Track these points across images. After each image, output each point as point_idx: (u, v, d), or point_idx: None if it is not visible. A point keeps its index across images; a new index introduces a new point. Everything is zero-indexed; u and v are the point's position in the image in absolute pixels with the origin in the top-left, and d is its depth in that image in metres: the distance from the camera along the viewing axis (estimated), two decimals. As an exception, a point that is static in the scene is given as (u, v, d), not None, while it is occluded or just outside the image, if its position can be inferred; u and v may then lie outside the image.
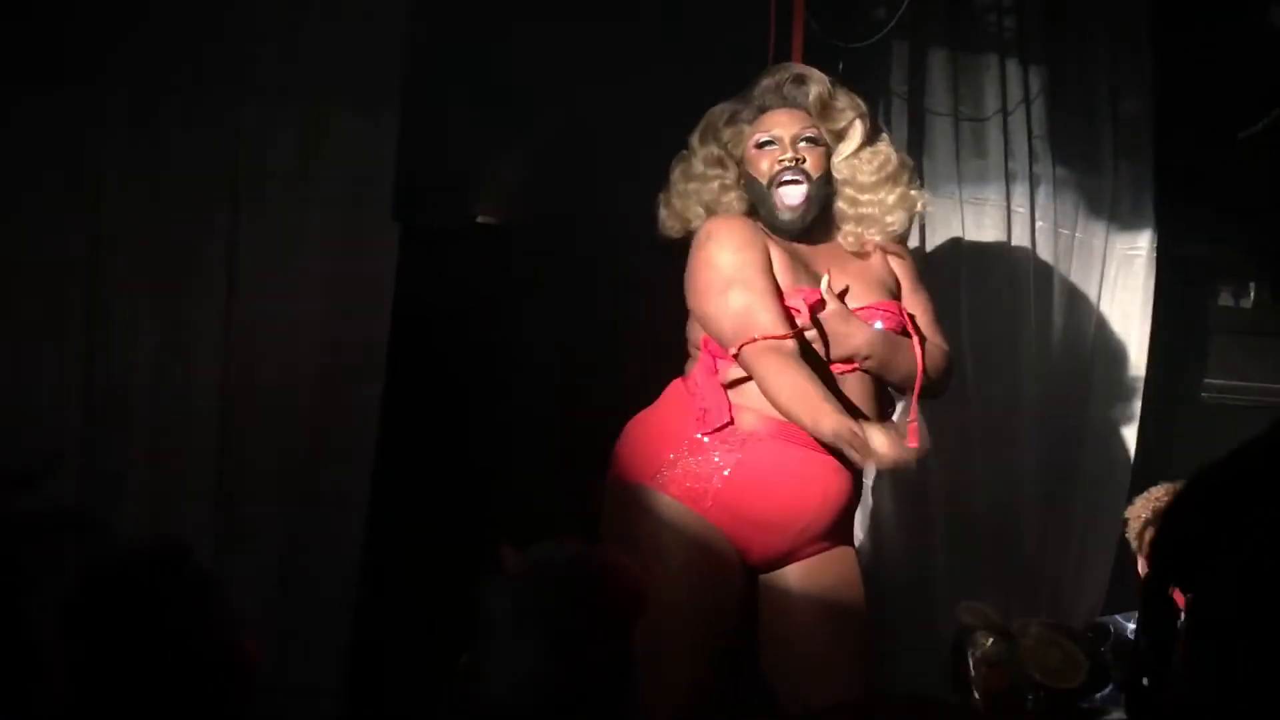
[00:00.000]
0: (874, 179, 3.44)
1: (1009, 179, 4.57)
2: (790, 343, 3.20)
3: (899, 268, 3.52)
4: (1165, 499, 3.67)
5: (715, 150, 3.45)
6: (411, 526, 4.03)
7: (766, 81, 3.47)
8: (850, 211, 3.45)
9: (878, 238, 3.47)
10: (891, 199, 3.45)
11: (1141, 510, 3.83)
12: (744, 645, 3.39)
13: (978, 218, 4.56)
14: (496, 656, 2.15)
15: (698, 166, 3.47)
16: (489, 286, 4.11)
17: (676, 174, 3.51)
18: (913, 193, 3.50)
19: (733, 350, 3.23)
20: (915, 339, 3.36)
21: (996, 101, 4.55)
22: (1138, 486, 4.60)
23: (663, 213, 3.51)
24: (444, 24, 3.88)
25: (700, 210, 3.45)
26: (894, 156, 3.50)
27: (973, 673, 3.30)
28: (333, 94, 3.80)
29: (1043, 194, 4.60)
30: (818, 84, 3.43)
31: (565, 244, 4.11)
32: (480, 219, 4.13)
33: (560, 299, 4.13)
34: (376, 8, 3.82)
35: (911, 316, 3.42)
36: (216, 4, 3.69)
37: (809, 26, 4.04)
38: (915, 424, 3.33)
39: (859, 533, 4.03)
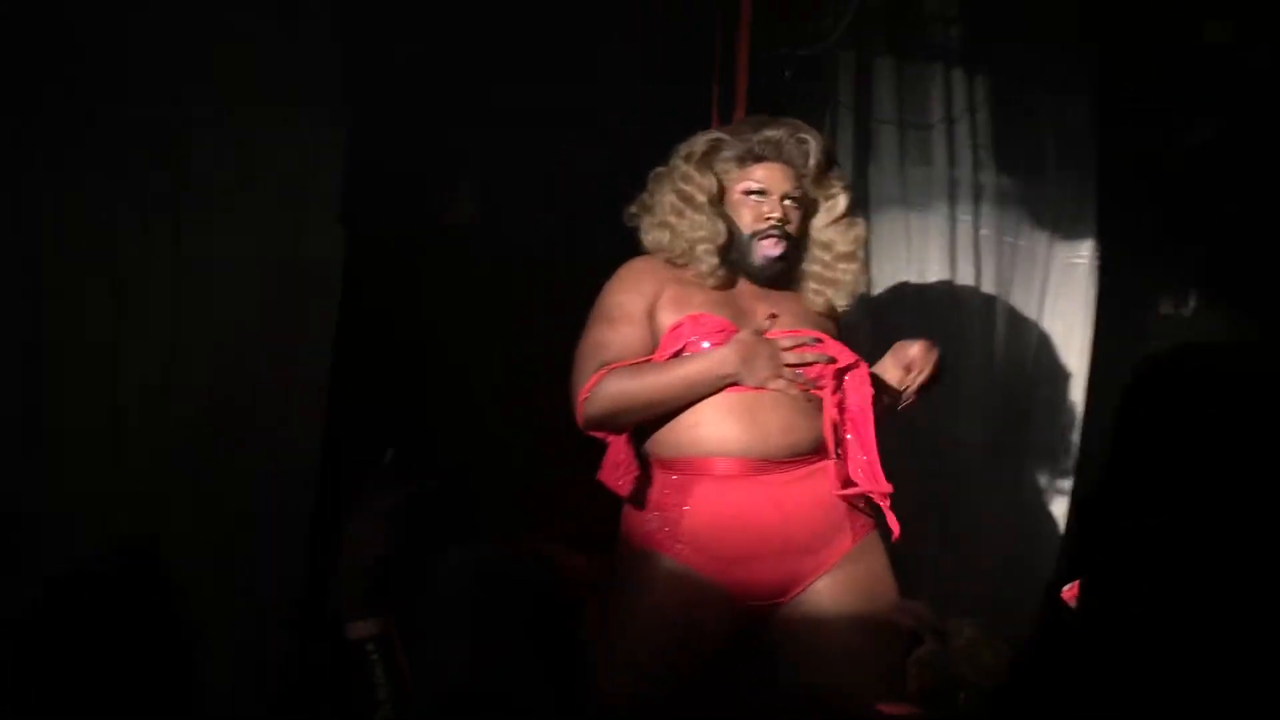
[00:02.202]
0: (851, 249, 3.53)
1: (953, 187, 4.61)
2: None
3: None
4: None
5: (714, 185, 3.47)
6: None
7: (769, 133, 3.48)
8: (823, 274, 3.52)
9: (843, 303, 3.54)
10: (859, 268, 3.54)
11: None
12: (729, 683, 3.40)
13: (922, 227, 4.60)
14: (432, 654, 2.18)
15: (699, 197, 3.46)
16: (437, 290, 4.11)
17: (672, 197, 3.48)
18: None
19: (581, 395, 3.28)
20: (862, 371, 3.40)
21: (941, 110, 4.60)
22: (1082, 492, 4.66)
23: (661, 234, 3.47)
24: (391, 26, 3.89)
25: (695, 240, 3.43)
26: (867, 231, 3.60)
27: (908, 672, 3.33)
28: (278, 97, 3.79)
29: (986, 202, 4.65)
30: (817, 149, 3.48)
31: (516, 246, 4.13)
32: (428, 222, 4.13)
33: (511, 303, 4.14)
34: (322, 10, 3.82)
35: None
36: (161, 8, 3.68)
37: (755, 35, 4.07)
38: (872, 461, 3.37)
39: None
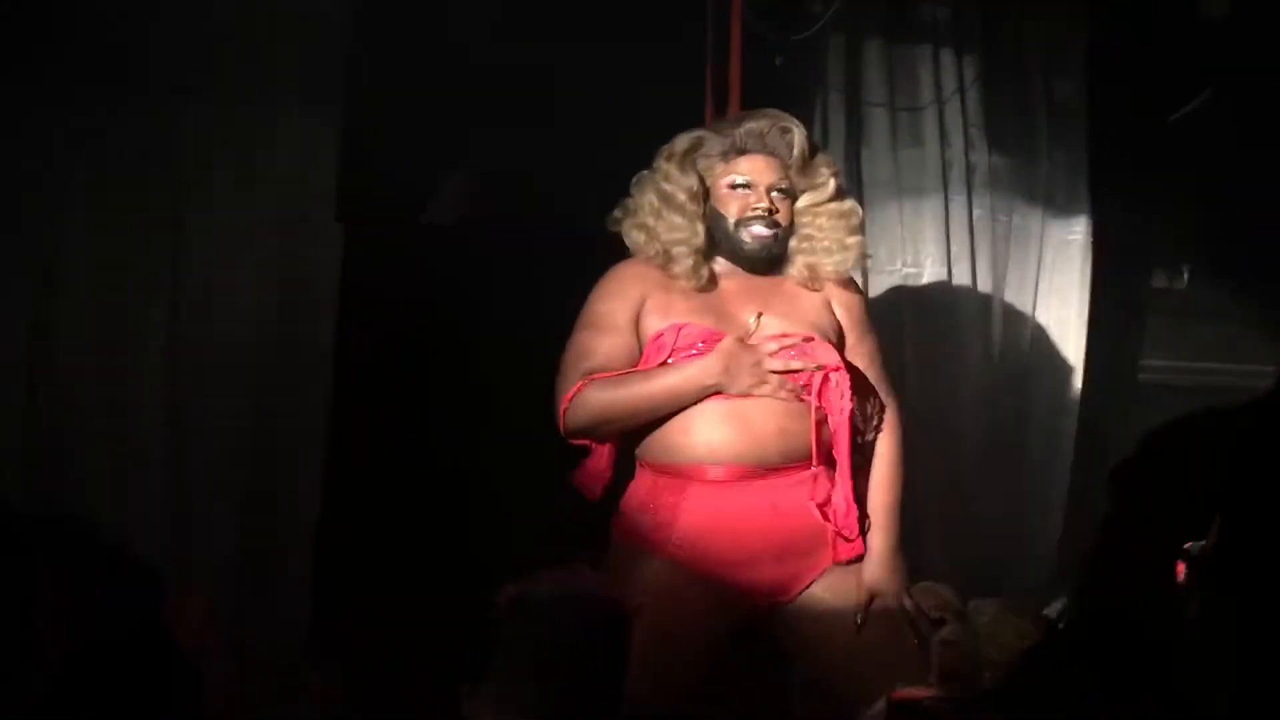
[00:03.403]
0: (837, 224, 3.49)
1: (946, 168, 4.62)
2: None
3: (846, 310, 3.53)
4: None
5: (695, 183, 3.44)
6: (362, 530, 4.04)
7: (750, 125, 3.46)
8: (805, 245, 3.48)
9: (830, 271, 3.50)
10: (851, 241, 3.50)
11: None
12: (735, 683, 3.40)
13: (916, 207, 4.61)
14: (497, 687, 2.21)
15: (679, 196, 3.43)
16: (432, 287, 4.12)
17: (651, 197, 3.46)
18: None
19: (563, 404, 3.29)
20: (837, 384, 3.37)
21: (932, 91, 4.61)
22: (1080, 466, 4.69)
23: (638, 236, 3.48)
24: (387, 26, 3.89)
25: (669, 242, 3.43)
26: (859, 212, 3.56)
27: (931, 654, 3.35)
28: (276, 96, 3.80)
29: (979, 182, 4.66)
30: (800, 139, 3.45)
31: (509, 245, 4.14)
32: (423, 220, 4.14)
33: (505, 300, 4.15)
34: (320, 10, 3.82)
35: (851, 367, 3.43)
36: (163, 8, 3.68)
37: (746, 21, 4.07)
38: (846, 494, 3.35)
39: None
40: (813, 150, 3.51)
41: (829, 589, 3.34)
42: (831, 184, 3.51)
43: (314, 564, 3.93)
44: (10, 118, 3.59)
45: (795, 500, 3.32)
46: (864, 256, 3.65)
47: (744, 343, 3.29)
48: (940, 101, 4.61)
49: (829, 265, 3.48)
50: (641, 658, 3.14)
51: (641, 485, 3.37)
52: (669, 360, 3.32)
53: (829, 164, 3.56)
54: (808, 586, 3.35)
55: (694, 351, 3.31)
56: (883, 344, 3.63)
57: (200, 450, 3.82)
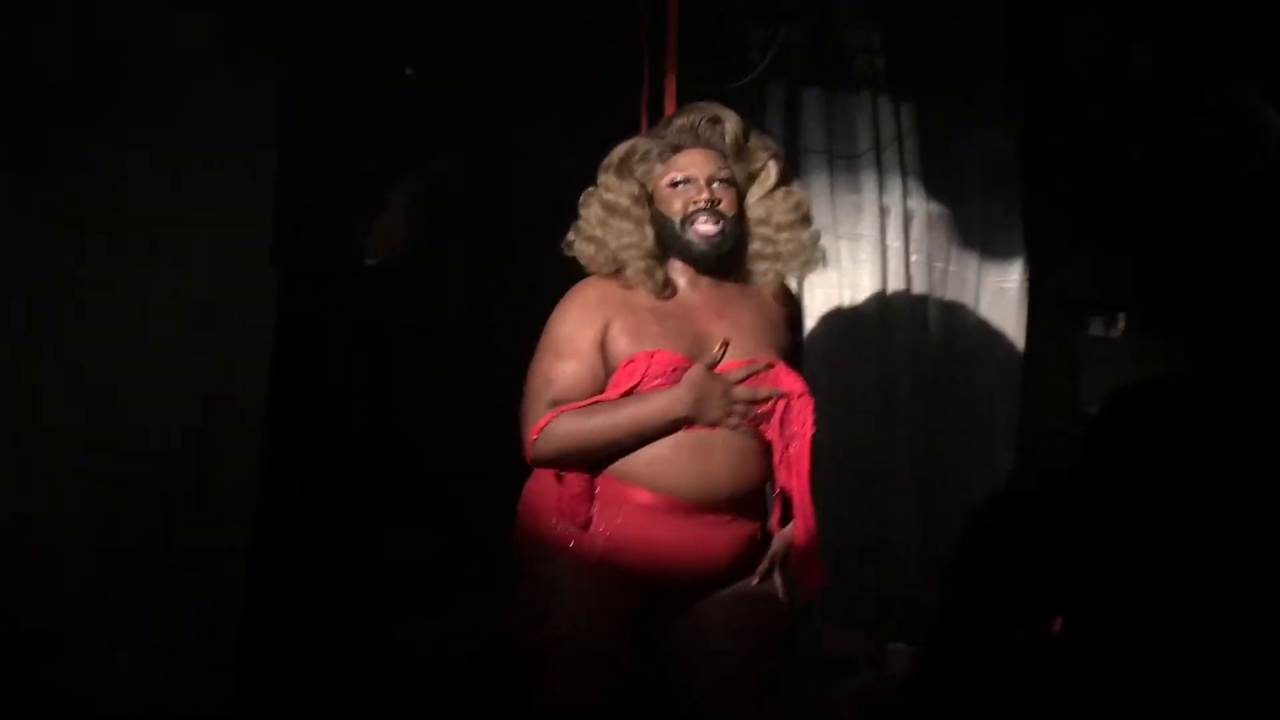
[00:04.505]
0: (790, 218, 3.42)
1: (883, 214, 4.66)
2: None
3: (792, 324, 3.51)
4: None
5: (636, 189, 3.42)
6: (293, 576, 4.02)
7: (681, 121, 3.43)
8: (768, 250, 3.42)
9: (797, 274, 3.48)
10: (806, 237, 3.46)
11: None
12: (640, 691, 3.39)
13: (854, 253, 4.64)
14: None
15: (623, 202, 3.41)
16: (370, 328, 4.12)
17: (596, 209, 3.41)
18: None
19: (532, 434, 3.26)
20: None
21: (870, 139, 4.65)
22: (1022, 513, 4.71)
23: (587, 248, 3.42)
24: (321, 67, 3.89)
25: (620, 248, 3.42)
26: (807, 198, 3.51)
27: (846, 697, 3.35)
28: (210, 136, 3.79)
29: (916, 228, 4.69)
30: (733, 125, 3.40)
31: (448, 284, 4.13)
32: (360, 260, 4.14)
33: (445, 339, 4.14)
34: (253, 51, 3.82)
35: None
36: (96, 48, 3.67)
37: (682, 73, 4.09)
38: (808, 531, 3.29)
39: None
40: (747, 134, 3.47)
41: (718, 603, 3.34)
42: (772, 168, 3.45)
43: (238, 636, 3.91)
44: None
45: (727, 537, 3.30)
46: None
47: (712, 372, 3.27)
48: (878, 149, 4.65)
49: (794, 270, 3.46)
50: (557, 667, 3.17)
51: (567, 487, 3.33)
52: (637, 386, 3.28)
53: (766, 146, 3.47)
54: (698, 604, 3.34)
55: (662, 381, 3.27)
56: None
57: (129, 494, 3.78)
